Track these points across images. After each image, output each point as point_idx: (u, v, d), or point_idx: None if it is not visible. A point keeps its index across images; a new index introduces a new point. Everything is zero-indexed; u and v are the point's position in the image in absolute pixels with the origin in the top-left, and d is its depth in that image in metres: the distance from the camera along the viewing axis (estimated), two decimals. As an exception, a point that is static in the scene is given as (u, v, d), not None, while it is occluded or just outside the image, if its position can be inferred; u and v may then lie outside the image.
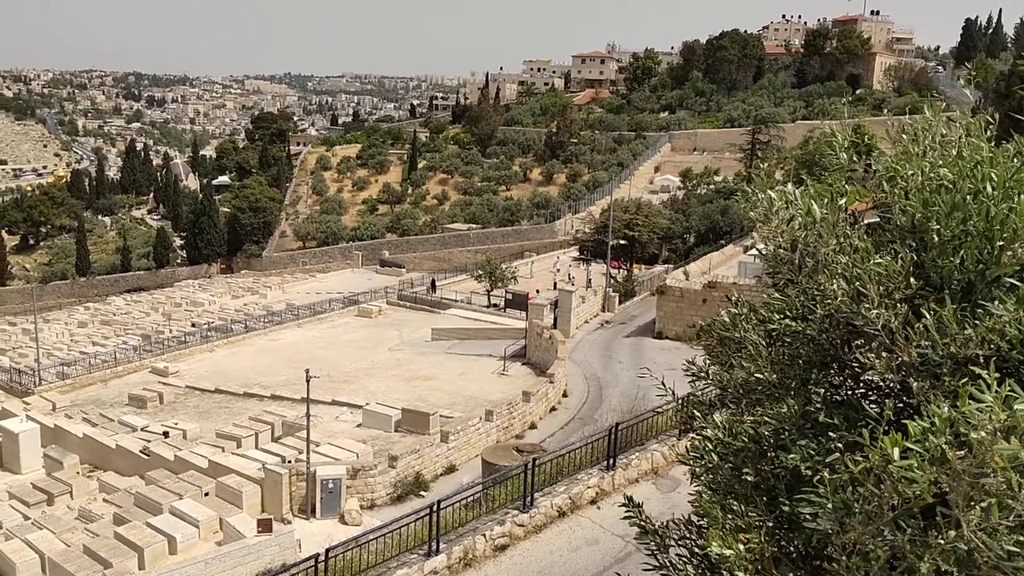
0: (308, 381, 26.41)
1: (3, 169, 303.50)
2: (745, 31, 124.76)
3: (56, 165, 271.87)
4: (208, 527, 24.55)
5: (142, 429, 33.56)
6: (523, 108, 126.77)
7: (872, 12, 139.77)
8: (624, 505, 4.02)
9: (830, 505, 2.42)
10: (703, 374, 3.86)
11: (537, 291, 53.20)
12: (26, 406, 37.36)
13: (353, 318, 56.06)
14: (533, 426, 32.86)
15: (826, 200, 3.11)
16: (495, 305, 53.78)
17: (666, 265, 61.68)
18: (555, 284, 56.99)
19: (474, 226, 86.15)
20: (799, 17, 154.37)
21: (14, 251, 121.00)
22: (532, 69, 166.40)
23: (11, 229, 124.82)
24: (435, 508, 12.80)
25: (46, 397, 39.27)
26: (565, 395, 36.12)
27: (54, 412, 36.85)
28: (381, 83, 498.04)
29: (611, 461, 15.61)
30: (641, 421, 17.06)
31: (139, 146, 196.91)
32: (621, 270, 57.74)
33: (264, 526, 23.72)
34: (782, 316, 3.21)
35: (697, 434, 3.76)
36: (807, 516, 2.51)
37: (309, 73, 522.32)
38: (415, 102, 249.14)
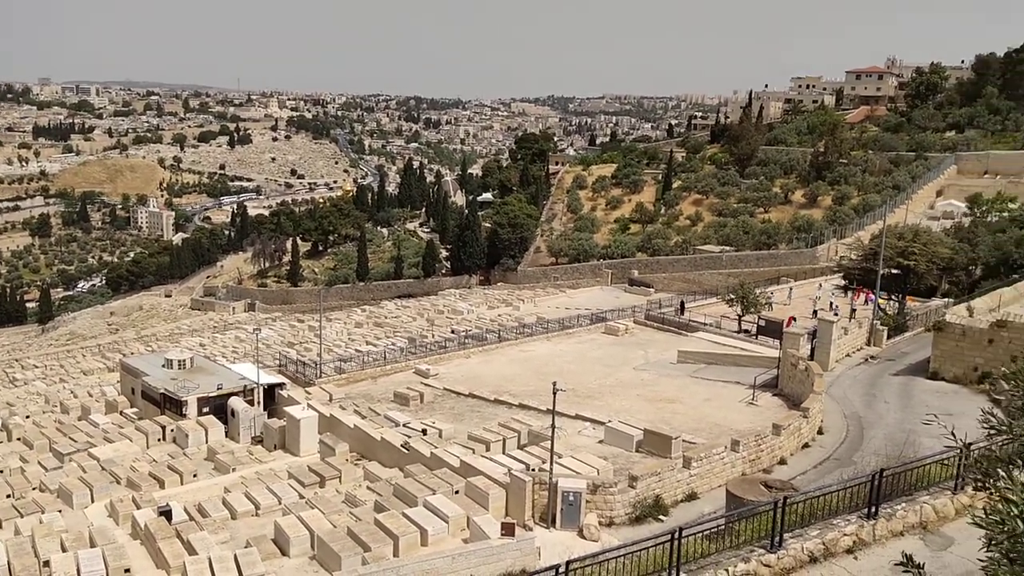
0: (555, 394, 26.96)
1: (300, 183, 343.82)
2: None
3: (344, 180, 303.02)
4: (456, 524, 25.81)
5: (404, 425, 36.14)
6: (788, 127, 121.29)
7: None
8: (900, 564, 3.63)
9: None
10: (1004, 427, 3.38)
11: (794, 319, 50.43)
12: (308, 395, 41.69)
13: (600, 335, 56.59)
14: (782, 462, 31.11)
15: None
16: (746, 331, 51.78)
17: (945, 299, 55.83)
18: (814, 313, 53.73)
19: (727, 248, 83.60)
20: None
21: (306, 256, 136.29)
22: (800, 86, 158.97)
23: (304, 236, 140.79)
24: (677, 535, 12.49)
25: (325, 388, 43.53)
26: (820, 432, 33.85)
27: (330, 403, 40.74)
28: (640, 103, 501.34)
29: (873, 509, 14.34)
30: (910, 469, 15.51)
31: (415, 164, 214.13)
32: (891, 302, 53.16)
33: (507, 529, 24.49)
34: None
35: (994, 495, 3.29)
36: None
37: (571, 95, 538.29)
38: (673, 122, 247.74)
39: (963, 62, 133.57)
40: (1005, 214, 72.81)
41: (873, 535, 13.95)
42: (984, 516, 3.29)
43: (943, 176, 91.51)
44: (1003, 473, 3.24)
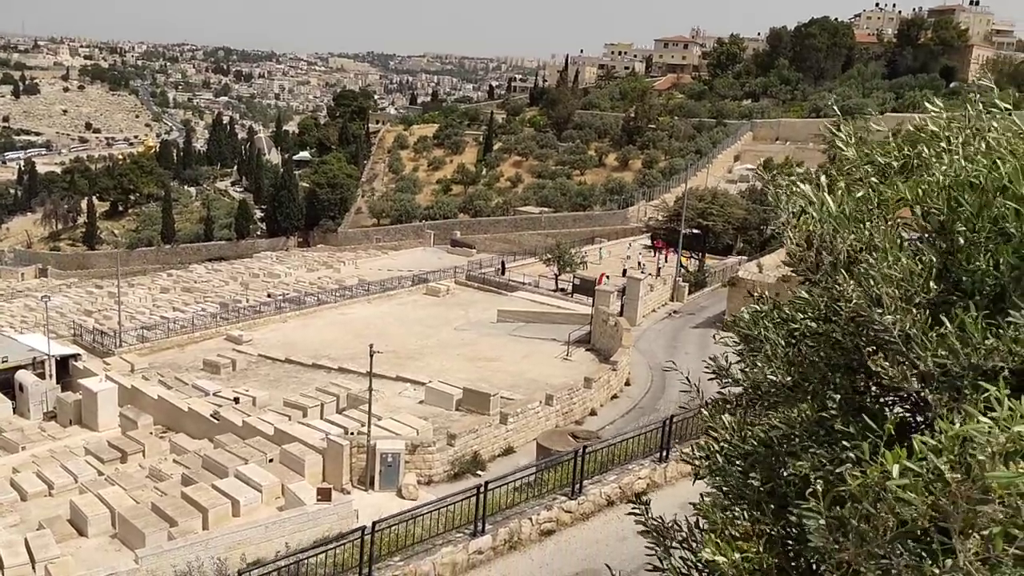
0: (372, 356, 26.83)
1: (97, 138, 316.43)
2: (836, 19, 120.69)
3: (146, 135, 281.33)
4: (271, 492, 25.26)
5: (214, 394, 34.69)
6: (602, 92, 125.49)
7: (971, 2, 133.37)
8: (631, 501, 3.91)
9: (822, 521, 2.28)
10: (723, 372, 3.71)
11: (607, 277, 52.75)
12: (106, 366, 38.99)
13: (421, 296, 56.68)
14: (593, 413, 32.72)
15: (843, 193, 2.91)
16: (562, 289, 53.60)
17: (740, 257, 60.41)
18: (624, 271, 56.44)
19: (546, 209, 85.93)
20: (893, 6, 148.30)
21: (104, 217, 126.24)
22: (613, 53, 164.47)
23: (102, 196, 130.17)
24: (482, 489, 12.86)
25: (126, 359, 40.86)
26: (628, 383, 35.83)
27: (132, 373, 38.34)
28: (461, 64, 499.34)
29: (664, 453, 15.40)
30: (697, 414, 16.76)
31: (225, 119, 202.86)
32: (692, 260, 56.80)
33: (323, 495, 24.27)
34: (804, 316, 3.04)
35: (707, 434, 3.63)
36: (808, 529, 2.38)
37: (391, 52, 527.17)
38: (494, 83, 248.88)
39: (759, 34, 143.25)
40: (793, 178, 79.32)
41: (664, 477, 15.01)
42: (692, 452, 3.62)
43: (740, 142, 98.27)
44: (706, 413, 3.58)
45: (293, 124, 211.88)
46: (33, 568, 20.58)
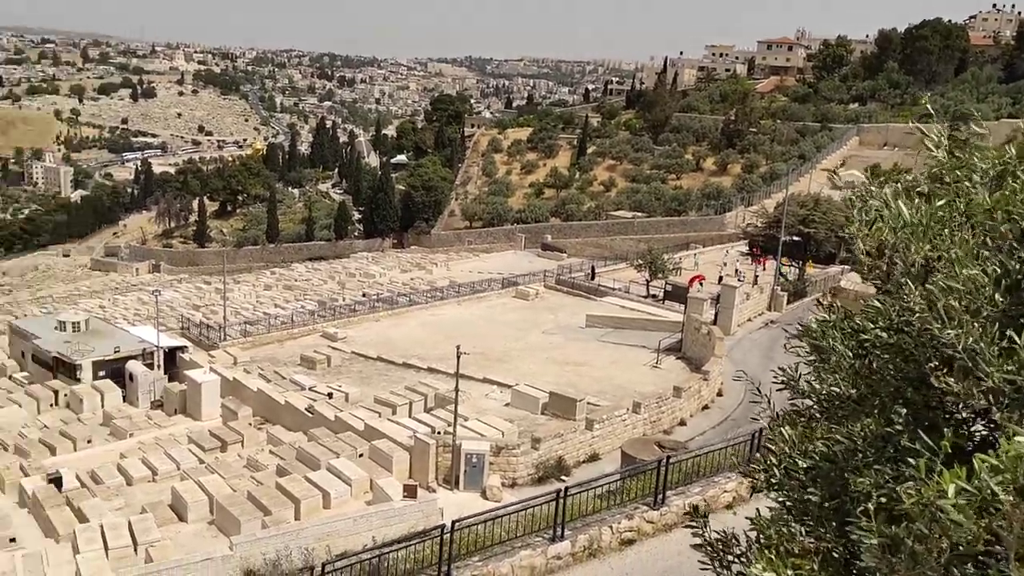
0: (458, 357, 27.11)
1: (208, 140, 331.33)
2: (949, 20, 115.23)
3: (255, 138, 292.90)
4: (359, 486, 25.83)
5: (309, 388, 35.76)
6: (701, 94, 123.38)
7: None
8: (688, 513, 3.83)
9: (875, 540, 2.16)
10: (793, 383, 3.59)
11: (700, 284, 51.76)
12: (211, 359, 40.74)
13: (511, 299, 56.95)
14: (682, 423, 32.15)
15: (926, 200, 2.77)
16: (653, 296, 52.93)
17: (843, 266, 58.25)
18: (720, 278, 55.24)
19: (639, 214, 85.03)
20: (1012, 7, 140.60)
21: (213, 216, 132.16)
22: (713, 54, 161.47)
23: (212, 196, 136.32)
24: (561, 494, 12.81)
25: (229, 352, 42.61)
26: (720, 394, 35.07)
27: (234, 366, 39.93)
28: (557, 67, 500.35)
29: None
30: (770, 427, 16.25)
31: (328, 124, 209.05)
32: (792, 268, 55.11)
33: (409, 491, 24.69)
34: (875, 326, 2.91)
35: (766, 447, 3.52)
36: (861, 548, 2.27)
37: (488, 56, 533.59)
38: (590, 86, 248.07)
39: (867, 36, 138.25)
40: (899, 184, 76.17)
41: (752, 491, 14.59)
42: (751, 467, 3.51)
43: (846, 147, 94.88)
44: (766, 425, 3.47)
45: (392, 128, 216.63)
46: (135, 550, 21.65)
